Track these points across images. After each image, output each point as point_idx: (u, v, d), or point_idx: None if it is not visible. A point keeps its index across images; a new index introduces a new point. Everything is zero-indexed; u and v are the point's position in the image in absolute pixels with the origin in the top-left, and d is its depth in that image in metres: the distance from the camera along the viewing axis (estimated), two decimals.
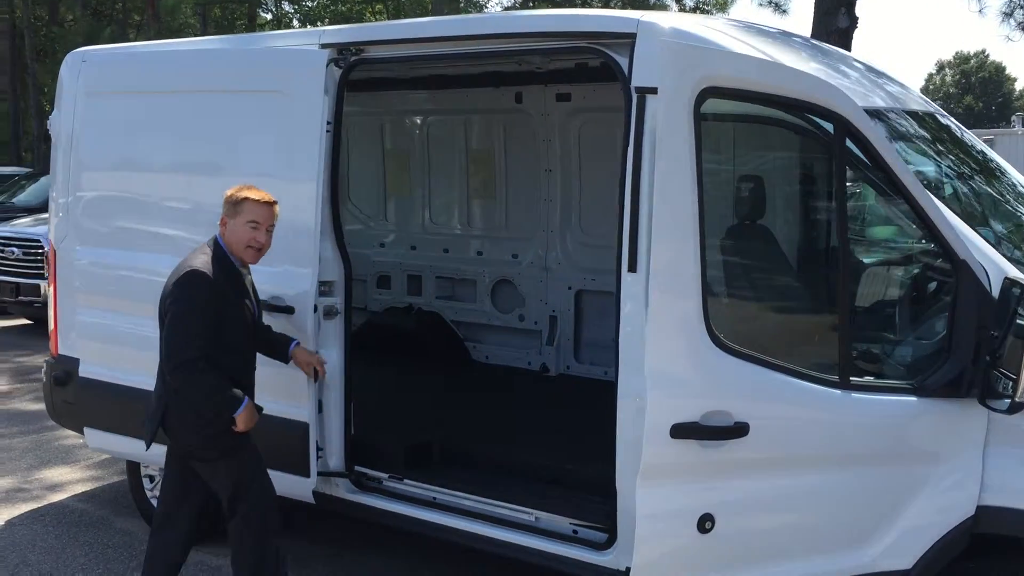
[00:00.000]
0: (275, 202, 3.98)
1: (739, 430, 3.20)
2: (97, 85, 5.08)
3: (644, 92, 3.28)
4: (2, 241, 11.55)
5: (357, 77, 6.15)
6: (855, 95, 3.38)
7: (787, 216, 4.13)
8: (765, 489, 3.29)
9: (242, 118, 4.53)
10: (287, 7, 25.89)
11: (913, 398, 3.19)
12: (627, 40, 3.46)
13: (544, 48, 3.98)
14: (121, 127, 4.98)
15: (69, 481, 6.27)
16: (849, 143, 3.18)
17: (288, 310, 4.33)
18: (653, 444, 3.19)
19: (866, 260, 3.92)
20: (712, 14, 21.35)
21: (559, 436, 4.85)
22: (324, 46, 4.35)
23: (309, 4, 25.37)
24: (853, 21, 12.77)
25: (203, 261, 3.83)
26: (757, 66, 3.26)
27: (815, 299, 3.68)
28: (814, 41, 4.16)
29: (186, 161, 4.81)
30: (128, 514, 5.58)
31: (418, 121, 6.82)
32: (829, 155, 3.19)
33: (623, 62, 3.49)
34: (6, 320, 12.01)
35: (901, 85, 4.29)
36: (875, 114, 3.44)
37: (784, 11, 22.34)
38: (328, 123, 4.27)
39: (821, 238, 3.78)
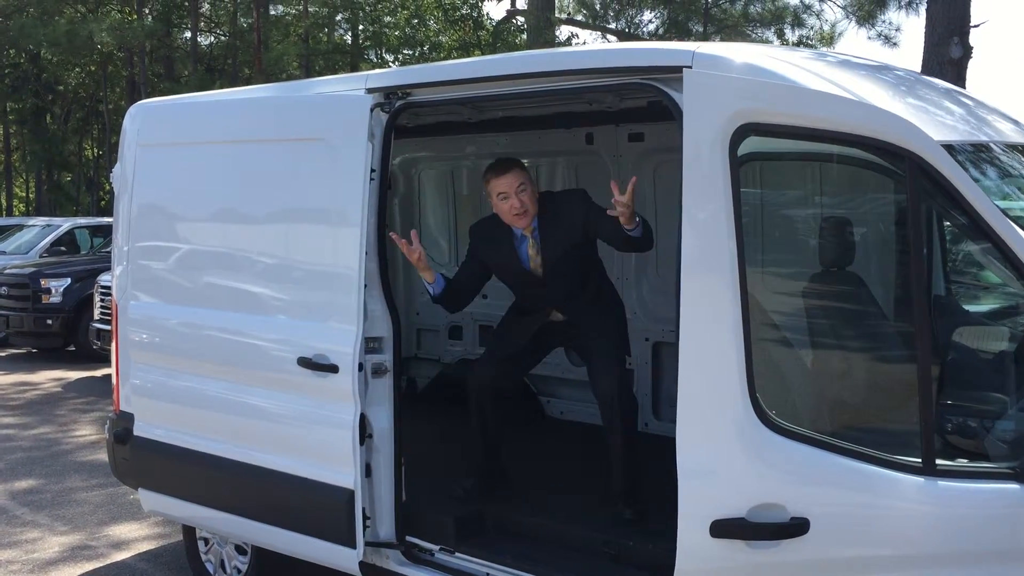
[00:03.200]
0: (514, 165, 4.31)
1: (797, 527, 2.71)
2: (149, 137, 5.01)
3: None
4: (105, 289, 11.76)
5: (429, 122, 6.02)
6: (936, 127, 2.92)
7: (857, 266, 3.63)
8: None
9: (288, 167, 4.34)
10: (388, 57, 26.30)
11: (1016, 486, 2.66)
12: (679, 74, 3.16)
13: (594, 86, 3.68)
14: (170, 179, 4.88)
15: (135, 539, 6.16)
16: (924, 181, 2.71)
17: (332, 368, 4.09)
18: (689, 545, 2.78)
19: (956, 317, 3.41)
20: (816, 48, 20.68)
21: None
22: (370, 91, 4.14)
23: (408, 52, 25.70)
24: (967, 51, 12.02)
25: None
26: (807, 99, 2.79)
27: (891, 365, 3.16)
28: (893, 66, 3.71)
29: (232, 214, 4.66)
30: None
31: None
32: (901, 196, 2.74)
33: (677, 97, 3.21)
34: (110, 368, 12.19)
35: (1003, 115, 3.78)
36: (961, 149, 2.94)
37: (894, 44, 21.58)
38: (373, 170, 4.04)
39: (898, 290, 3.26)
